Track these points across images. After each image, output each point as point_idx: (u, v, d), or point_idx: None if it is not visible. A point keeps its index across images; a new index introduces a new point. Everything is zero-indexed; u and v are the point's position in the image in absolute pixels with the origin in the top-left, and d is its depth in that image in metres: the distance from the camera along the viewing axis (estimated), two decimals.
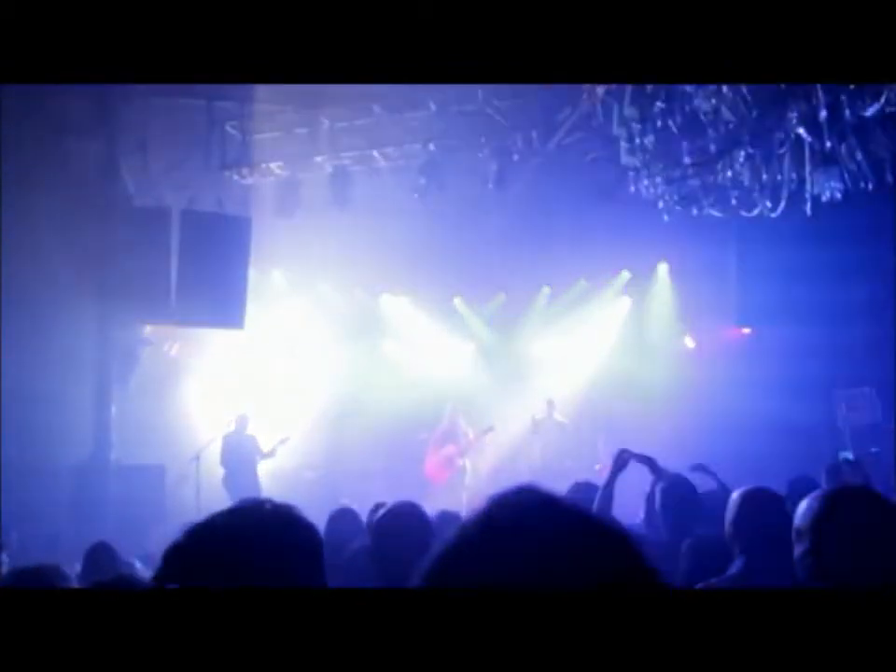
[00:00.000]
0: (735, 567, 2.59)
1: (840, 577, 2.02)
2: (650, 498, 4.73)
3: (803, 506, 2.10)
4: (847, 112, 4.42)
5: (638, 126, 4.81)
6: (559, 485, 9.60)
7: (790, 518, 2.65)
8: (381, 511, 3.06)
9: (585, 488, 4.48)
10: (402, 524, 2.82)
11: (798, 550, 2.09)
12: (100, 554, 3.82)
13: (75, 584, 2.63)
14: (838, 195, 4.97)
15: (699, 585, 2.60)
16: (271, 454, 9.49)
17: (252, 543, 1.38)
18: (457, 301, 11.87)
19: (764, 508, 2.67)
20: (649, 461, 4.19)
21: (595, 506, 4.07)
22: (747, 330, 10.55)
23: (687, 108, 4.82)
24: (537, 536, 0.72)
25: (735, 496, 2.84)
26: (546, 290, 11.78)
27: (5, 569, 3.33)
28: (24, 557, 3.38)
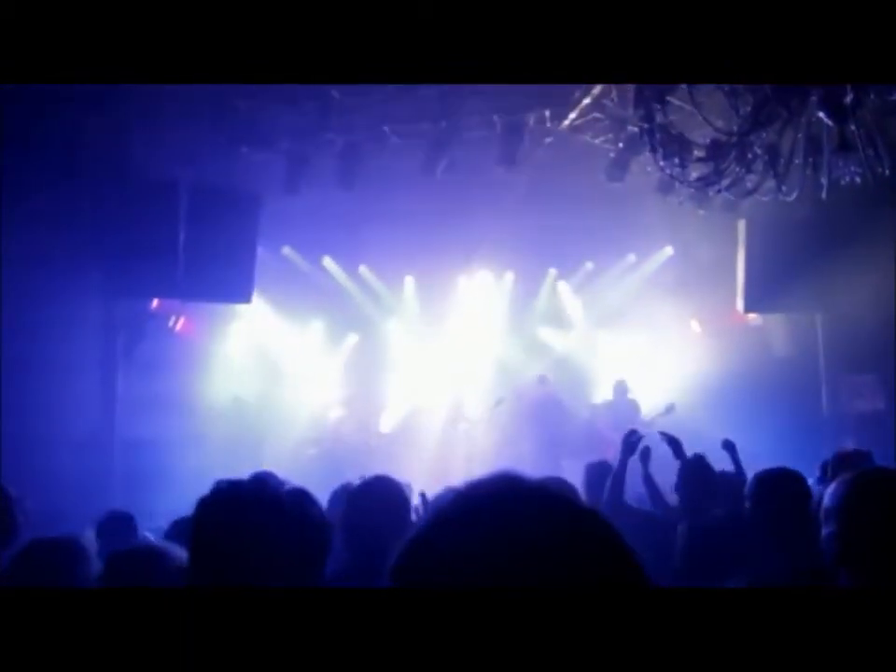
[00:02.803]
0: (761, 552, 2.57)
1: (866, 561, 2.02)
2: (648, 480, 4.74)
3: (832, 488, 2.10)
4: (872, 96, 4.39)
5: (658, 106, 4.77)
6: (558, 463, 9.58)
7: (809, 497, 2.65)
8: (356, 483, 3.00)
9: (600, 468, 4.46)
10: (377, 495, 2.74)
11: (825, 532, 2.09)
12: (117, 524, 3.80)
13: (93, 556, 2.62)
14: (857, 180, 4.94)
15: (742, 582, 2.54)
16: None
17: (271, 520, 1.38)
18: (463, 280, 11.85)
19: (785, 489, 2.65)
20: (672, 442, 4.19)
21: (606, 490, 4.06)
22: (753, 316, 10.54)
23: (707, 89, 4.79)
24: (511, 522, 0.71)
25: (752, 477, 2.81)
26: (552, 272, 11.77)
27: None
28: (29, 530, 3.35)
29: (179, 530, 3.39)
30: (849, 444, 9.55)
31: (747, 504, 2.68)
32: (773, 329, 10.67)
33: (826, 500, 2.10)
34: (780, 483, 2.67)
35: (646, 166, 5.71)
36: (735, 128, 4.84)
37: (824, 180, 5.31)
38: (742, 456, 7.12)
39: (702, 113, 4.71)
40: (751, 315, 10.54)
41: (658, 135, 4.88)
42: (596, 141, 8.49)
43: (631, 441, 4.33)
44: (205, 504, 1.44)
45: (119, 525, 3.80)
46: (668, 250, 11.38)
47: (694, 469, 3.85)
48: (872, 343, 9.29)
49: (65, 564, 2.49)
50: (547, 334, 11.83)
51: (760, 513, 2.63)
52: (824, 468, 3.80)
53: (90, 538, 3.45)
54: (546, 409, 10.51)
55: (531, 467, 9.25)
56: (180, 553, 2.56)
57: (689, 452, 4.72)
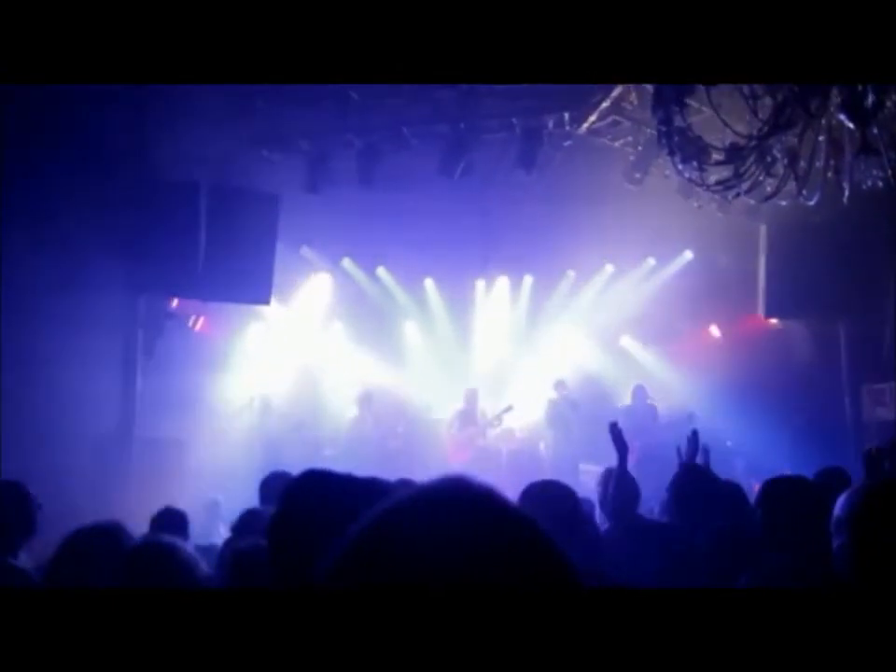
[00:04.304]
0: (773, 560, 2.51)
1: (879, 570, 1.98)
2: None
3: (843, 497, 2.06)
4: (895, 97, 4.32)
5: (676, 108, 4.73)
6: (576, 467, 9.49)
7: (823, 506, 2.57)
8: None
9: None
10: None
11: (837, 542, 2.04)
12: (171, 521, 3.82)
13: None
14: (880, 184, 4.86)
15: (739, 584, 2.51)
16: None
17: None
18: (480, 282, 11.84)
19: (795, 497, 2.58)
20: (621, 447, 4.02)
21: (610, 497, 3.97)
22: (774, 321, 10.42)
23: (726, 91, 4.74)
24: (440, 528, 0.71)
25: (760, 486, 2.74)
26: (571, 274, 11.71)
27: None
28: (46, 527, 3.38)
29: (249, 522, 3.39)
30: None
31: (757, 512, 2.62)
32: (794, 335, 10.54)
33: (837, 511, 2.06)
34: (790, 490, 2.61)
35: (664, 169, 5.66)
36: (754, 131, 4.77)
37: (846, 184, 5.24)
38: (763, 464, 6.98)
39: (720, 115, 4.65)
40: (773, 321, 10.41)
41: (676, 138, 4.83)
42: (616, 144, 8.44)
43: (616, 434, 4.13)
44: (302, 494, 1.41)
45: (173, 521, 3.83)
46: (688, 254, 11.29)
47: (688, 482, 3.76)
48: (893, 349, 9.15)
49: (113, 550, 2.50)
50: (566, 337, 11.77)
51: (769, 522, 2.58)
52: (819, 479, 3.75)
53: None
54: (564, 412, 10.46)
55: (549, 470, 9.21)
56: (189, 548, 2.58)
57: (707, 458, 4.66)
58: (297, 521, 1.37)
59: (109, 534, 2.53)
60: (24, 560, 3.25)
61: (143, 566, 2.31)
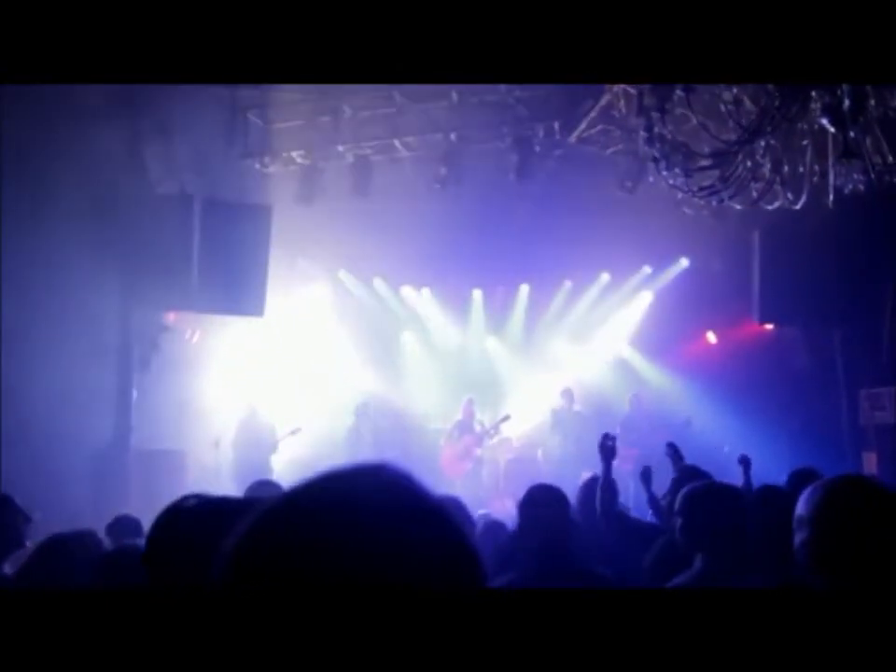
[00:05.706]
0: (695, 565, 2.53)
1: (840, 567, 1.99)
2: (652, 501, 4.75)
3: (804, 495, 2.07)
4: (873, 103, 4.34)
5: (658, 115, 4.76)
6: (578, 475, 9.49)
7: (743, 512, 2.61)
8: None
9: (592, 483, 4.43)
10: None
11: (798, 539, 2.05)
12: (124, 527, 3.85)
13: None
14: (861, 188, 4.88)
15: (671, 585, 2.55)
16: (281, 441, 9.61)
17: None
18: (476, 293, 11.85)
19: (717, 504, 2.60)
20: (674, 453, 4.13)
21: (597, 502, 4.05)
22: (769, 327, 10.42)
23: (707, 97, 4.78)
24: (361, 514, 0.70)
25: (681, 493, 2.77)
26: (567, 284, 11.73)
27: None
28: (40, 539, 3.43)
29: None
30: (869, 456, 9.40)
31: (677, 521, 2.65)
32: (789, 340, 10.54)
33: (799, 508, 2.07)
34: (711, 498, 2.64)
35: (650, 176, 5.71)
36: (733, 137, 4.80)
37: (830, 188, 5.25)
38: (760, 470, 6.97)
39: (698, 120, 4.68)
40: (768, 326, 10.41)
41: (658, 145, 4.86)
42: (606, 152, 8.48)
43: (607, 447, 4.27)
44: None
45: (128, 528, 3.87)
46: (684, 262, 11.31)
47: (683, 483, 3.80)
48: (891, 353, 9.14)
49: (83, 556, 2.53)
50: (563, 346, 11.78)
51: (687, 526, 2.62)
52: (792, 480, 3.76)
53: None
54: (567, 421, 10.47)
55: (547, 478, 9.19)
56: None
57: (704, 465, 4.67)
58: (167, 551, 1.35)
59: (81, 541, 2.56)
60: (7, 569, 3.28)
61: (116, 570, 2.33)
